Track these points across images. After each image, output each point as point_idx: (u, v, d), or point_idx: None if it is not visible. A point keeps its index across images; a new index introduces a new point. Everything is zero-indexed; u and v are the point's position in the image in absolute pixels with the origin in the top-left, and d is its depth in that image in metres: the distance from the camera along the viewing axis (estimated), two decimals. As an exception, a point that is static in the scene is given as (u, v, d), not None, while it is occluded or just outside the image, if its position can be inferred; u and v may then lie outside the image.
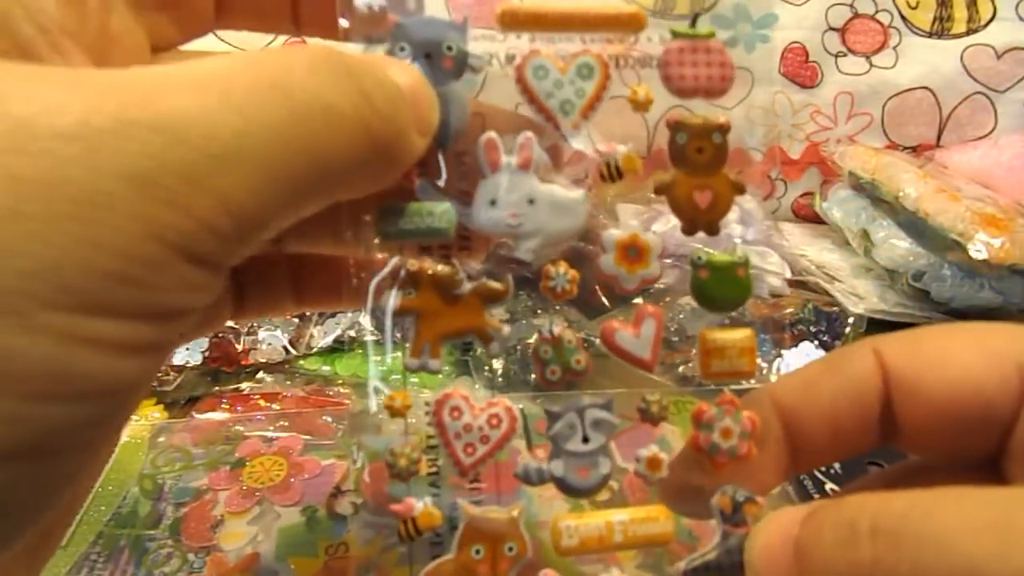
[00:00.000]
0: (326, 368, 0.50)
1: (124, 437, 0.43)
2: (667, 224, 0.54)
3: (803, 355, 0.50)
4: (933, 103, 0.70)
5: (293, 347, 0.50)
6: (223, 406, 0.47)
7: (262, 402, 0.47)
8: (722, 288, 0.22)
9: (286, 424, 0.44)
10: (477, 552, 0.22)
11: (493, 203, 0.21)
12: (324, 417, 0.45)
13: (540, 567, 0.22)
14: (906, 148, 0.71)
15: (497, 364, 0.44)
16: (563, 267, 0.21)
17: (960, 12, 0.68)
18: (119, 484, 0.39)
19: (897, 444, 0.22)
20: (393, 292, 0.21)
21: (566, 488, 0.22)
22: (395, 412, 0.22)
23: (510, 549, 0.22)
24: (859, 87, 0.70)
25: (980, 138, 0.70)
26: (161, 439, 0.43)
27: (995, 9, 0.68)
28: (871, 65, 0.70)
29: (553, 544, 0.22)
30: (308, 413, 0.45)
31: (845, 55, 0.70)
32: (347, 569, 0.34)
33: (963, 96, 0.69)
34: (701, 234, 0.22)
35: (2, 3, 0.18)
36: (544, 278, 0.21)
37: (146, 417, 0.46)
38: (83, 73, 0.16)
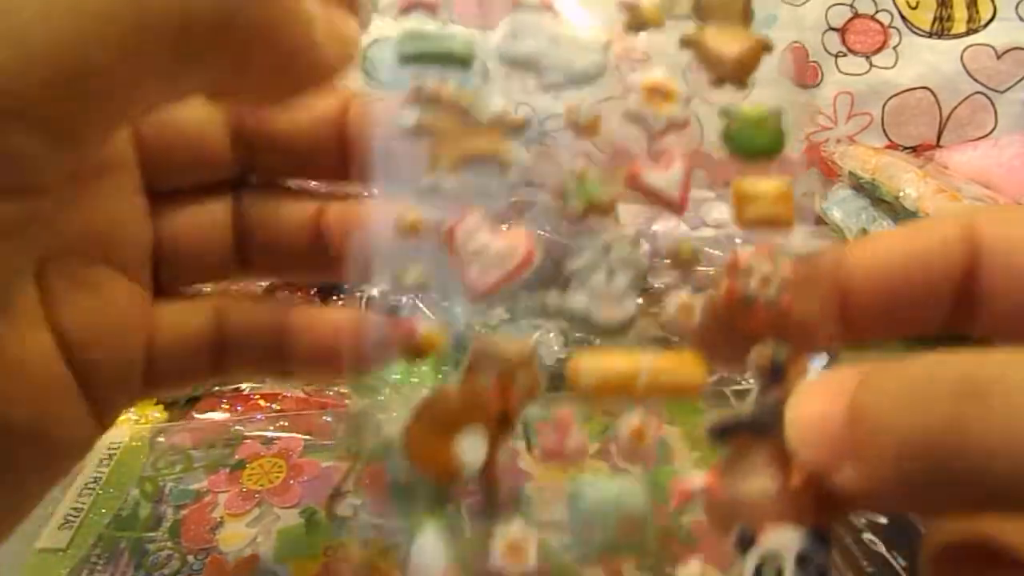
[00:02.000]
0: (326, 369, 0.50)
1: (125, 439, 0.43)
2: (667, 224, 0.54)
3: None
4: (933, 103, 0.70)
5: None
6: (223, 406, 0.47)
7: (262, 402, 0.47)
8: (752, 137, 0.21)
9: (286, 424, 0.44)
10: (485, 381, 0.20)
11: (514, 36, 0.21)
12: (324, 418, 0.45)
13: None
14: (906, 148, 0.71)
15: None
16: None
17: (960, 12, 0.68)
18: (120, 487, 0.39)
19: (967, 326, 0.20)
20: (407, 110, 0.20)
21: (588, 325, 0.20)
22: (407, 231, 0.20)
23: (521, 382, 0.20)
24: (859, 87, 0.70)
25: (980, 138, 0.70)
26: (161, 439, 0.43)
27: (995, 9, 0.68)
28: (871, 65, 0.70)
29: (571, 384, 0.19)
30: (308, 414, 0.45)
31: (845, 55, 0.70)
32: (346, 571, 0.34)
33: (963, 96, 0.69)
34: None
35: None
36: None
37: (146, 417, 0.46)
38: None
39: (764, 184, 0.21)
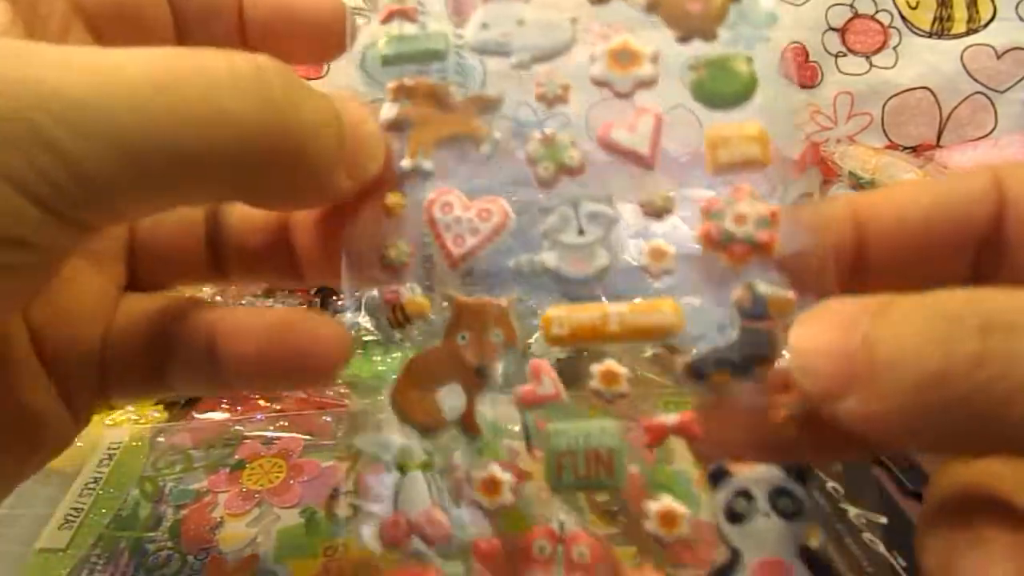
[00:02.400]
0: (326, 369, 0.50)
1: (125, 439, 0.43)
2: (668, 225, 0.54)
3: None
4: (933, 103, 0.70)
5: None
6: (223, 406, 0.47)
7: (262, 402, 0.47)
8: (720, 82, 0.21)
9: (286, 424, 0.44)
10: (463, 338, 0.21)
11: (485, 26, 0.22)
12: (324, 418, 0.45)
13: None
14: (906, 148, 0.71)
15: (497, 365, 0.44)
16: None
17: (960, 12, 0.68)
18: (120, 487, 0.39)
19: (988, 278, 0.20)
20: (386, 105, 0.22)
21: (560, 280, 0.21)
22: (390, 211, 0.22)
23: (497, 336, 0.21)
24: (859, 87, 0.70)
25: (980, 138, 0.70)
26: (161, 439, 0.43)
27: (995, 9, 0.68)
28: (871, 65, 0.70)
29: (544, 335, 0.21)
30: (308, 414, 0.45)
31: (845, 55, 0.69)
32: (346, 571, 0.34)
33: (963, 96, 0.69)
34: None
35: None
36: None
37: (146, 417, 0.46)
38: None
39: (736, 127, 0.21)
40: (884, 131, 0.71)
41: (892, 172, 0.60)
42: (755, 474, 0.19)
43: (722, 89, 0.21)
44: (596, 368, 0.20)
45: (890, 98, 0.70)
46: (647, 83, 0.21)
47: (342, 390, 0.48)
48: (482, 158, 0.22)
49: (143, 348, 0.25)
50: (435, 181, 0.22)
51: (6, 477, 0.23)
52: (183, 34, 0.25)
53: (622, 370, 0.20)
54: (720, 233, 0.20)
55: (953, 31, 0.69)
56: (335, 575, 0.34)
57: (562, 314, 0.21)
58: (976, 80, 0.69)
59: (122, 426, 0.45)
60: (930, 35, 0.69)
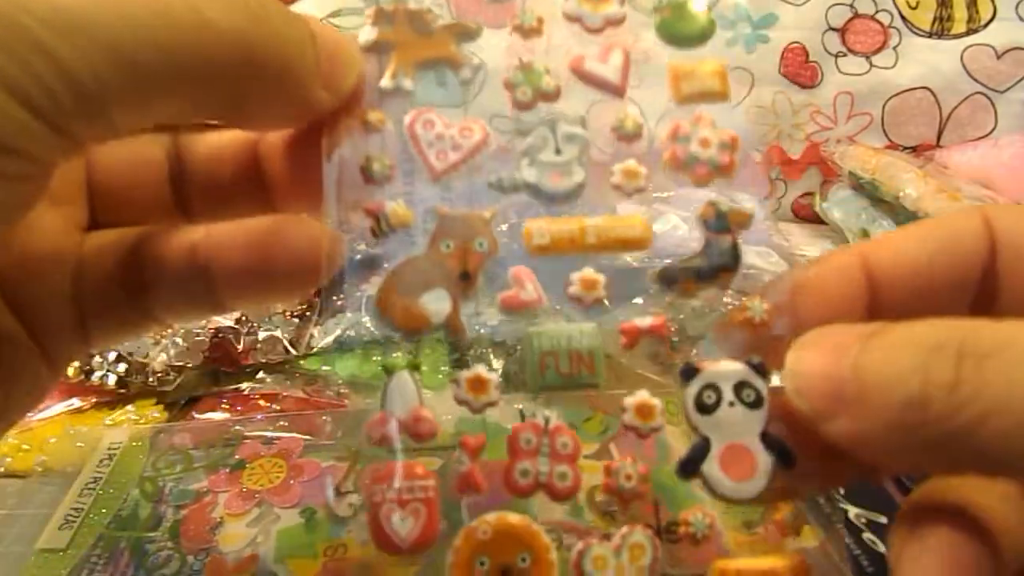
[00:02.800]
0: (326, 368, 0.50)
1: (125, 439, 0.43)
2: (667, 224, 0.54)
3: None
4: (933, 103, 0.70)
5: (293, 347, 0.50)
6: (223, 406, 0.47)
7: (262, 402, 0.47)
8: (683, 22, 0.23)
9: (286, 425, 0.44)
10: (447, 246, 0.22)
11: None
12: (324, 418, 0.45)
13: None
14: (906, 148, 0.71)
15: (496, 364, 0.44)
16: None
17: (960, 12, 0.68)
18: (120, 487, 0.39)
19: (993, 311, 0.22)
20: (366, 28, 0.23)
21: (539, 194, 0.22)
22: (371, 127, 0.22)
23: (480, 245, 0.22)
24: (859, 87, 0.70)
25: (980, 138, 0.70)
26: (161, 439, 0.43)
27: (995, 9, 0.68)
28: (871, 65, 0.70)
29: (526, 245, 0.22)
30: (308, 414, 0.45)
31: (845, 55, 0.69)
32: (345, 571, 0.34)
33: (963, 96, 0.69)
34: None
35: None
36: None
37: (146, 417, 0.46)
38: None
39: (698, 63, 0.23)
40: (884, 131, 0.71)
41: (892, 172, 0.60)
42: (721, 368, 0.21)
43: (684, 29, 0.23)
44: (575, 275, 0.22)
45: (890, 98, 0.70)
46: (616, 21, 0.23)
47: (342, 390, 0.48)
48: (460, 82, 0.23)
49: (119, 280, 0.25)
50: (415, 101, 0.23)
51: None
52: None
53: (600, 277, 0.22)
54: (686, 155, 0.22)
55: (953, 31, 0.69)
56: (335, 575, 0.34)
57: (543, 225, 0.22)
58: (976, 80, 0.69)
59: (122, 426, 0.45)
60: (930, 35, 0.69)
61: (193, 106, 0.20)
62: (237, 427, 0.44)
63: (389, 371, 0.22)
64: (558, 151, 0.23)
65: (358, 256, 0.24)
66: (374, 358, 0.50)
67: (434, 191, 0.23)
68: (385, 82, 0.23)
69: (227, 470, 0.40)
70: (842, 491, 0.37)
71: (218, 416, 0.46)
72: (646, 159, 0.23)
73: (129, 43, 0.17)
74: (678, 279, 0.22)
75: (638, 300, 0.23)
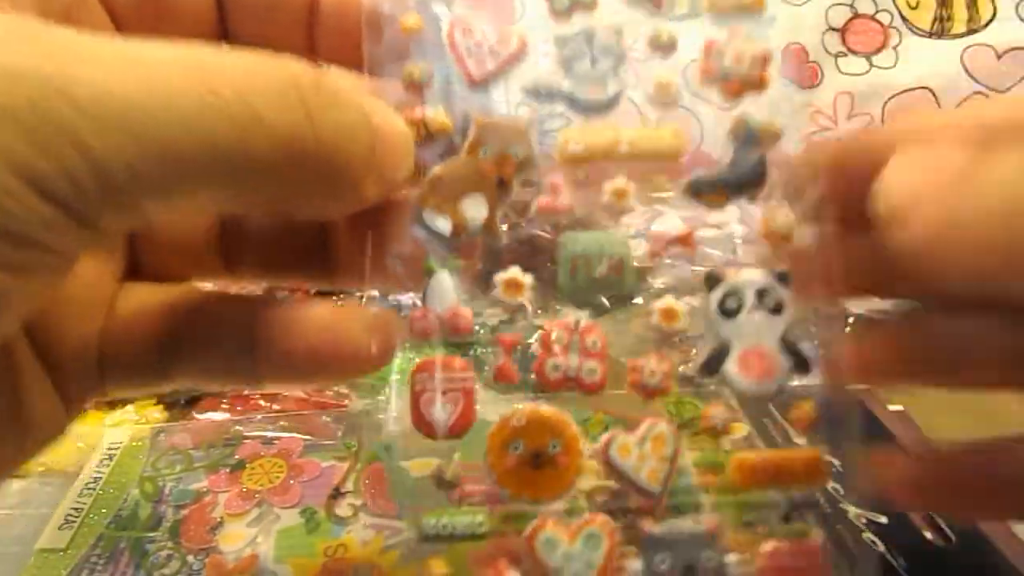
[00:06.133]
0: (326, 369, 0.50)
1: (125, 439, 0.43)
2: (666, 224, 0.54)
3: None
4: (933, 103, 0.70)
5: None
6: (223, 406, 0.47)
7: (262, 402, 0.47)
8: None
9: (286, 424, 0.44)
10: (485, 152, 0.23)
11: None
12: (324, 418, 0.45)
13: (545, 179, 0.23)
14: (906, 148, 0.71)
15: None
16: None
17: (960, 12, 0.68)
18: (120, 487, 0.39)
19: None
20: None
21: (575, 104, 0.23)
22: (409, 32, 0.23)
23: (516, 153, 0.23)
24: (859, 87, 0.70)
25: (980, 138, 0.70)
26: (161, 439, 0.43)
27: (995, 9, 0.68)
28: (871, 65, 0.70)
29: (559, 152, 0.23)
30: (308, 414, 0.45)
31: (845, 55, 0.69)
32: (345, 570, 0.34)
33: (963, 96, 0.69)
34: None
35: None
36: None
37: (146, 417, 0.46)
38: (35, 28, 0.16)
39: None
40: (884, 131, 0.71)
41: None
42: (744, 276, 0.22)
43: None
44: (608, 185, 0.23)
45: (890, 98, 0.70)
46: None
47: (342, 390, 0.48)
48: None
49: (146, 342, 0.24)
50: (454, 7, 0.23)
51: None
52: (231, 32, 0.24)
53: (630, 186, 0.23)
54: (719, 70, 0.23)
55: (953, 31, 0.69)
56: (335, 575, 0.34)
57: (578, 134, 0.23)
58: (976, 80, 0.69)
59: (122, 426, 0.45)
60: (930, 35, 0.69)
61: (232, 201, 0.19)
62: (237, 427, 0.44)
63: (429, 272, 0.23)
64: (594, 62, 0.23)
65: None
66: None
67: (472, 98, 0.23)
68: None
69: (227, 470, 0.40)
70: (842, 491, 0.37)
71: (218, 416, 0.46)
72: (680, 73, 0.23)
73: (172, 137, 0.16)
74: (706, 192, 0.23)
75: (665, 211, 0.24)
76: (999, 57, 0.68)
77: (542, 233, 0.23)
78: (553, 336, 0.23)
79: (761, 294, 0.22)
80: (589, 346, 0.23)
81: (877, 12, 0.69)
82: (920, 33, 0.69)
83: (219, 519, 0.37)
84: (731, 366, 0.22)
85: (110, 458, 0.41)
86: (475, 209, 0.22)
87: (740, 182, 0.22)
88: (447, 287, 0.23)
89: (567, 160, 0.23)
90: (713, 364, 0.22)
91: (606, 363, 0.23)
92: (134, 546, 0.36)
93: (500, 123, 0.23)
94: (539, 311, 0.23)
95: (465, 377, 0.23)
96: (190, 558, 0.35)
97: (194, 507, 0.38)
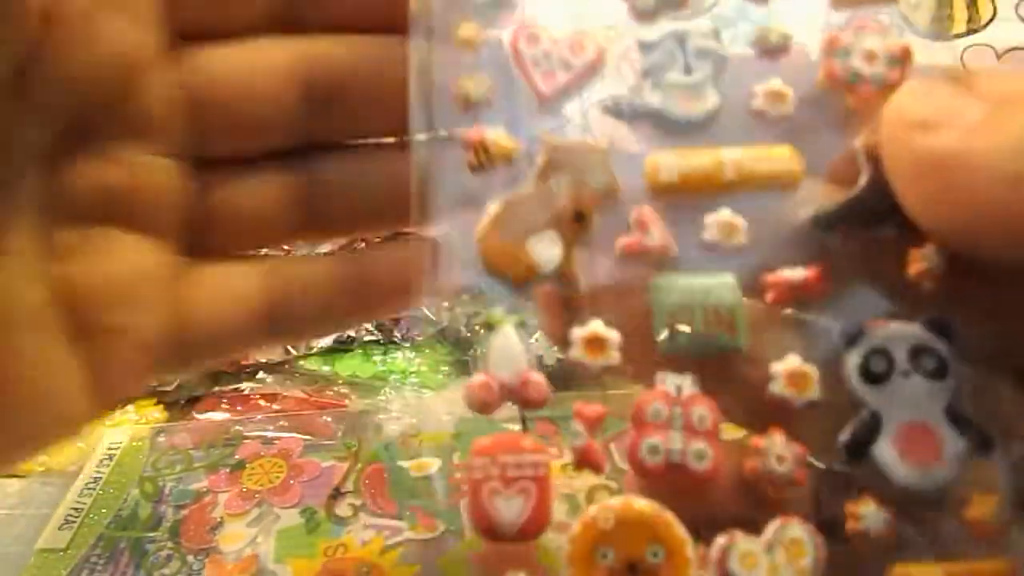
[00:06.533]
0: (326, 368, 0.50)
1: (125, 439, 0.43)
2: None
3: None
4: (933, 103, 0.70)
5: (293, 347, 0.50)
6: (223, 406, 0.47)
7: (262, 402, 0.47)
8: None
9: (286, 425, 0.44)
10: (557, 183, 0.19)
11: None
12: (324, 418, 0.45)
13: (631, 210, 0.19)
14: (906, 148, 0.71)
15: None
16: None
17: (960, 12, 0.68)
18: (120, 487, 0.39)
19: None
20: None
21: (665, 122, 0.19)
22: (465, 43, 0.19)
23: (596, 182, 0.19)
24: (859, 87, 0.70)
25: (980, 138, 0.70)
26: (161, 439, 0.43)
27: (995, 9, 0.68)
28: (871, 65, 0.70)
29: (650, 182, 0.19)
30: (308, 414, 0.45)
31: (845, 55, 0.69)
32: (346, 571, 0.34)
33: (963, 96, 0.69)
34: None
35: None
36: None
37: (146, 417, 0.46)
38: None
39: None
40: (884, 131, 0.71)
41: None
42: (893, 330, 0.18)
43: None
44: (711, 218, 0.18)
45: (890, 98, 0.70)
46: None
47: (342, 390, 0.48)
48: None
49: (248, 312, 0.24)
50: (518, 12, 0.19)
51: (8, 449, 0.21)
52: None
53: (740, 220, 0.18)
54: (847, 72, 0.19)
55: (953, 31, 0.69)
56: (335, 575, 0.34)
57: (671, 159, 0.18)
58: (976, 80, 0.69)
59: (122, 426, 0.45)
60: (930, 35, 0.69)
61: None
62: (237, 427, 0.44)
63: (491, 326, 0.19)
64: (688, 70, 0.19)
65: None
66: (374, 358, 0.50)
67: (542, 118, 0.19)
68: None
69: (227, 470, 0.40)
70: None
71: (218, 416, 0.46)
72: (795, 78, 0.19)
73: None
74: (838, 222, 0.18)
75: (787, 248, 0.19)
76: (999, 57, 0.68)
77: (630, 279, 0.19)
78: (650, 409, 0.18)
79: (916, 353, 0.17)
80: (696, 422, 0.18)
81: (877, 12, 0.69)
82: (920, 33, 0.69)
83: (219, 519, 0.37)
84: (885, 448, 0.17)
85: (110, 458, 0.41)
86: (547, 250, 0.19)
87: (878, 211, 0.17)
88: (514, 347, 0.19)
89: (659, 190, 0.19)
90: (861, 445, 0.17)
91: (718, 444, 0.18)
92: (134, 546, 0.36)
93: (575, 147, 0.19)
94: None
95: (537, 462, 0.18)
96: (190, 558, 0.35)
97: (194, 507, 0.38)
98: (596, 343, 0.18)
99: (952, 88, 0.17)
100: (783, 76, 0.19)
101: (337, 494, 0.38)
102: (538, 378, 0.18)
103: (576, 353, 0.18)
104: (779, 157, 0.18)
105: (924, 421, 0.17)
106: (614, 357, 0.18)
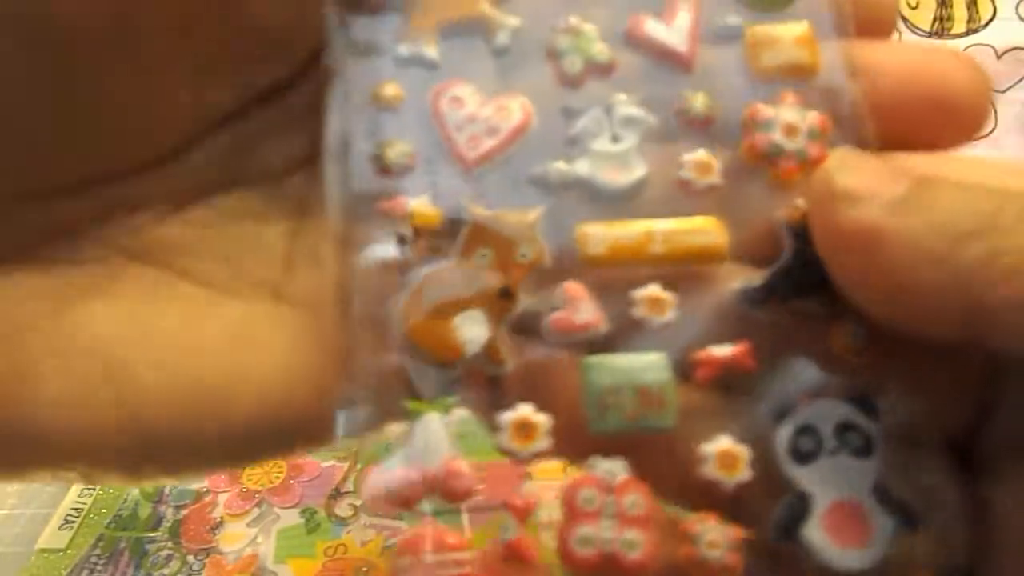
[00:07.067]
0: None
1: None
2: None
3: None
4: (933, 103, 0.70)
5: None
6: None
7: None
8: None
9: (286, 425, 0.44)
10: (483, 256, 0.18)
11: None
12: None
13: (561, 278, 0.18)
14: (906, 148, 0.71)
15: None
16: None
17: (960, 12, 0.68)
18: (120, 487, 0.39)
19: None
20: None
21: (594, 191, 0.18)
22: (385, 103, 0.18)
23: (523, 255, 0.18)
24: (859, 87, 0.70)
25: (980, 138, 0.70)
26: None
27: (995, 9, 0.68)
28: (871, 65, 0.70)
29: (580, 254, 0.18)
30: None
31: (845, 55, 0.70)
32: (346, 571, 0.34)
33: (963, 96, 0.69)
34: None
35: None
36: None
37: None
38: None
39: (781, 28, 0.19)
40: (884, 131, 0.71)
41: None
42: (819, 408, 0.17)
43: None
44: (640, 294, 0.18)
45: (890, 98, 0.70)
46: None
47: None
48: (496, 51, 0.19)
49: None
50: (439, 73, 0.18)
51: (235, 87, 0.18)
52: None
53: (666, 295, 0.18)
54: (767, 145, 0.18)
55: (953, 31, 0.69)
56: (335, 575, 0.34)
57: (600, 230, 0.18)
58: (976, 80, 0.69)
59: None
60: (930, 35, 0.69)
61: None
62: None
63: (413, 416, 0.18)
64: (615, 138, 0.18)
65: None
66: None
67: (465, 185, 0.18)
68: (403, 49, 0.18)
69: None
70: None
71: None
72: (720, 149, 0.18)
73: None
74: (766, 296, 0.18)
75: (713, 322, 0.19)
76: (999, 57, 0.68)
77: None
78: (581, 496, 0.17)
79: (842, 430, 0.17)
80: (628, 507, 0.17)
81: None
82: (920, 33, 0.69)
83: (219, 519, 0.37)
84: (814, 529, 0.16)
85: (110, 458, 0.42)
86: (473, 329, 0.18)
87: (805, 284, 0.17)
88: (438, 435, 0.17)
89: (587, 262, 0.18)
90: (790, 526, 0.17)
91: (652, 530, 0.17)
92: (134, 546, 0.36)
93: (501, 217, 0.18)
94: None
95: (462, 559, 0.17)
96: (190, 558, 0.35)
97: (194, 507, 0.38)
98: (525, 428, 0.17)
99: (878, 162, 0.17)
100: (708, 146, 0.18)
101: (337, 494, 0.38)
102: (462, 467, 0.17)
103: (504, 440, 0.17)
104: (705, 229, 0.18)
105: (852, 500, 0.17)
106: (544, 444, 0.17)
